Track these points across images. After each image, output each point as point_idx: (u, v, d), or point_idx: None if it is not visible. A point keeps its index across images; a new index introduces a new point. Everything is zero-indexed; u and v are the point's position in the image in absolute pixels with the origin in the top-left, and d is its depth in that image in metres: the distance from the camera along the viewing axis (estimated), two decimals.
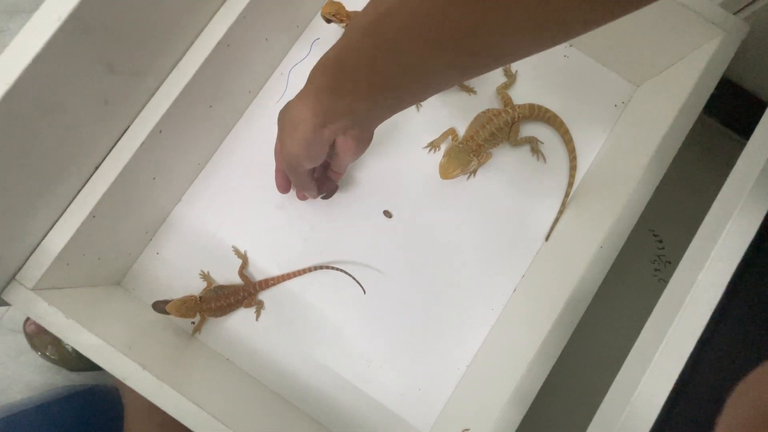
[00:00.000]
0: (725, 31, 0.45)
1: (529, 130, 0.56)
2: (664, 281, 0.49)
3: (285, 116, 0.37)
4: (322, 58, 0.33)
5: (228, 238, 0.53)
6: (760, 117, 0.36)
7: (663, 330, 0.30)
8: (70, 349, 0.55)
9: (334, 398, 0.50)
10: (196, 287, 0.51)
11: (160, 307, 0.47)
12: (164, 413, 0.38)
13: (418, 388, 0.51)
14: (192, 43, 0.44)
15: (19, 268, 0.40)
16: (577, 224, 0.51)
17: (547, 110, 0.54)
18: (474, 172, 0.55)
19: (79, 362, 0.56)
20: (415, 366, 0.51)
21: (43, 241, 0.40)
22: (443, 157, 0.52)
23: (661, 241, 0.59)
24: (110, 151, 0.42)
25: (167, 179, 0.49)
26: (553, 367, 0.41)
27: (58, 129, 0.37)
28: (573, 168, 0.54)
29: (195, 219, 0.53)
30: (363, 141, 0.38)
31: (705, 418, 0.26)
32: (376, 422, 0.50)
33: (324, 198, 0.52)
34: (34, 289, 0.39)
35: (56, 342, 0.56)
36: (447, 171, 0.50)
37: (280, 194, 0.54)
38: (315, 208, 0.54)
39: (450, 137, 0.55)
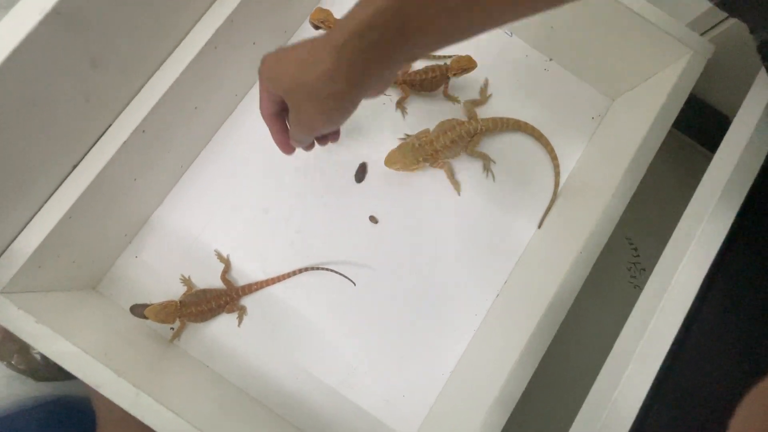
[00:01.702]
0: (693, 50, 0.48)
1: (510, 139, 0.57)
2: (640, 288, 0.51)
3: (302, 76, 0.29)
4: None
5: (211, 241, 0.52)
6: (724, 132, 0.38)
7: (639, 333, 0.32)
8: (38, 358, 0.52)
9: (318, 405, 0.50)
10: (176, 292, 0.50)
11: (138, 311, 0.45)
12: (140, 424, 0.37)
13: (402, 394, 0.51)
14: (179, 43, 0.44)
15: None
16: (557, 231, 0.53)
17: (509, 119, 0.56)
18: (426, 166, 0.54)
19: (47, 372, 0.53)
20: (399, 372, 0.51)
21: (15, 241, 0.39)
22: (396, 148, 0.53)
23: (636, 249, 0.61)
24: (90, 149, 0.41)
25: (149, 180, 0.48)
26: (535, 371, 0.42)
27: (35, 125, 0.35)
28: (555, 158, 0.56)
29: (177, 222, 0.52)
30: (387, 87, 0.33)
31: (682, 417, 0.27)
32: (360, 429, 0.50)
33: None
34: (3, 292, 0.37)
35: (23, 350, 0.53)
36: (389, 161, 0.52)
37: (265, 198, 0.54)
38: (301, 212, 0.54)
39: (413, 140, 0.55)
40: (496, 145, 0.57)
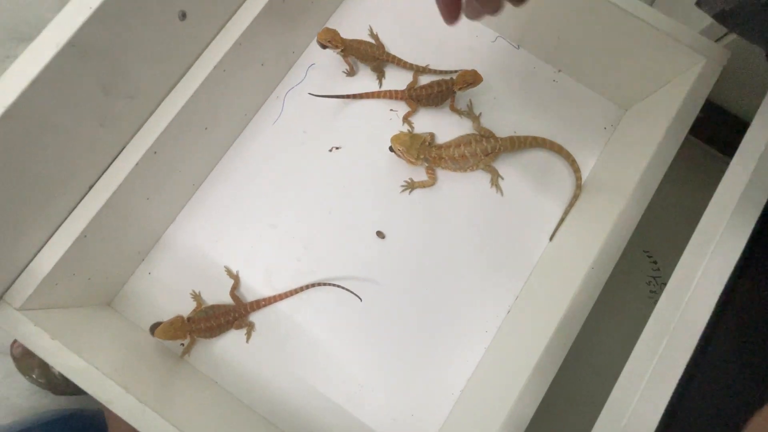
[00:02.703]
0: (707, 57, 0.46)
1: (518, 153, 0.57)
2: None
3: None
4: None
5: (221, 258, 0.53)
6: (742, 137, 0.36)
7: (654, 350, 0.30)
8: (56, 373, 0.54)
9: (325, 423, 0.49)
10: (188, 308, 0.51)
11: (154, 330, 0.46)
12: None
13: (411, 413, 0.50)
14: (189, 67, 0.45)
15: (7, 288, 0.39)
16: (569, 245, 0.51)
17: (527, 137, 0.55)
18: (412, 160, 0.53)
19: (65, 386, 0.55)
20: (408, 390, 0.50)
21: (33, 260, 0.40)
22: (408, 133, 0.53)
23: (655, 262, 0.58)
24: (105, 171, 0.43)
25: (161, 199, 0.49)
26: (547, 391, 0.40)
27: (53, 150, 0.37)
28: (577, 170, 0.55)
29: (188, 239, 0.53)
30: None
31: None
32: None
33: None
34: (21, 309, 0.39)
35: (43, 365, 0.55)
36: (396, 139, 0.52)
37: (273, 214, 0.55)
38: (309, 228, 0.54)
39: (429, 138, 0.55)
40: (505, 160, 0.57)
